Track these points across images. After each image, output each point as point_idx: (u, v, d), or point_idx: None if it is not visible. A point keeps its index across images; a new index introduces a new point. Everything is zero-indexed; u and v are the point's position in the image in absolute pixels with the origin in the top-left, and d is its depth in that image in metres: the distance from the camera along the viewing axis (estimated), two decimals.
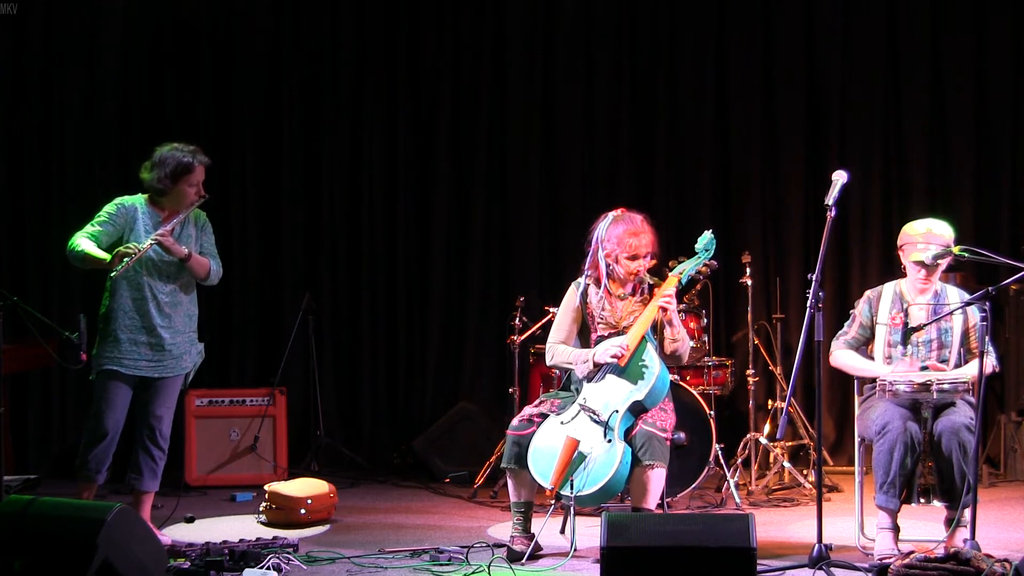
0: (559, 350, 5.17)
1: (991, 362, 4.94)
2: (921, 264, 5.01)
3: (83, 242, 5.03)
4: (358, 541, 5.33)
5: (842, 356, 5.18)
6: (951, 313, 5.01)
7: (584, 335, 5.20)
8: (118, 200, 5.18)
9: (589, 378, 5.02)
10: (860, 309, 5.20)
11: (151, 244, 5.01)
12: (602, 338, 5.11)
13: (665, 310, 5.04)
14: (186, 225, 5.19)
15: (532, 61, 7.63)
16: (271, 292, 7.65)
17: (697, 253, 5.18)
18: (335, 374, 7.64)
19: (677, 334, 5.09)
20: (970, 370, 4.90)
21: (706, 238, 5.16)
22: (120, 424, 5.16)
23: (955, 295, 5.12)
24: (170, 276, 5.16)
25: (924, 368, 4.97)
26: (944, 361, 5.02)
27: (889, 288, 5.17)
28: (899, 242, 5.14)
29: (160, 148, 5.18)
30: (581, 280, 5.21)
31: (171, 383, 5.22)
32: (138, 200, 5.19)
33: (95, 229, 5.09)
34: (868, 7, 7.41)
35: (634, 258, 5.08)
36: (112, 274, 5.00)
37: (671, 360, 5.18)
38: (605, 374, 4.99)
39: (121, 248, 4.99)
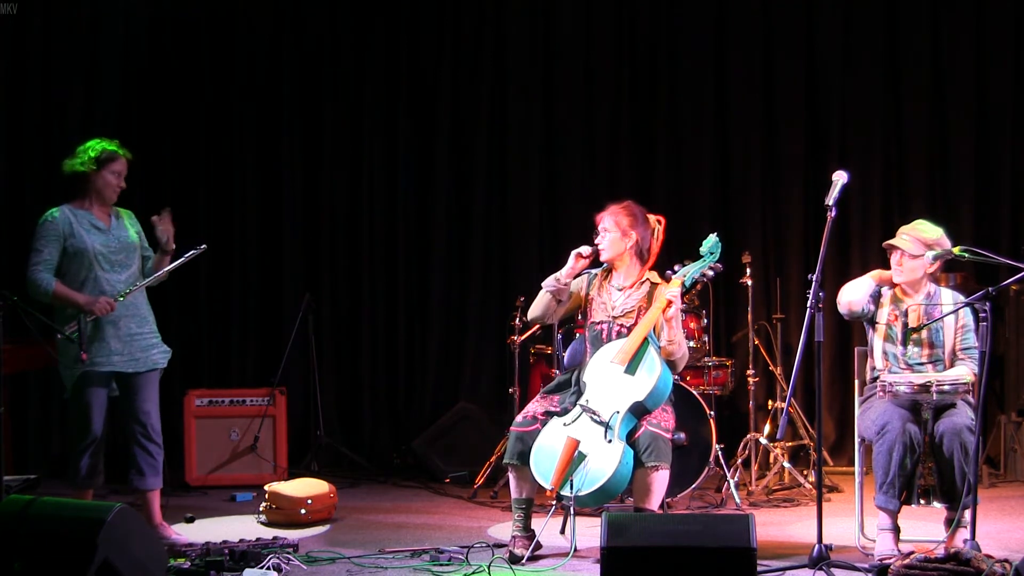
0: (533, 303, 5.25)
1: (973, 368, 4.96)
2: (891, 247, 5.05)
3: (49, 280, 5.04)
4: (358, 541, 5.33)
5: (845, 288, 5.21)
6: (946, 315, 5.02)
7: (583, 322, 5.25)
8: (44, 219, 5.14)
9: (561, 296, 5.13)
10: None
11: (128, 294, 5.08)
12: (595, 323, 5.16)
13: (671, 304, 5.03)
14: (119, 219, 5.22)
15: (532, 61, 7.63)
16: (271, 292, 7.65)
17: (702, 256, 5.17)
18: (335, 374, 7.63)
19: (674, 336, 5.06)
20: (959, 371, 4.96)
21: (711, 241, 5.14)
22: (102, 425, 5.15)
23: (948, 297, 5.15)
24: (122, 264, 5.16)
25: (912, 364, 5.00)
26: (937, 360, 5.05)
27: (888, 290, 5.18)
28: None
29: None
30: (595, 271, 5.27)
31: (147, 379, 5.20)
32: (61, 209, 5.16)
33: (48, 256, 5.08)
34: (868, 7, 7.41)
35: (600, 232, 5.16)
36: (69, 334, 4.98)
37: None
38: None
39: (96, 304, 5.00)
